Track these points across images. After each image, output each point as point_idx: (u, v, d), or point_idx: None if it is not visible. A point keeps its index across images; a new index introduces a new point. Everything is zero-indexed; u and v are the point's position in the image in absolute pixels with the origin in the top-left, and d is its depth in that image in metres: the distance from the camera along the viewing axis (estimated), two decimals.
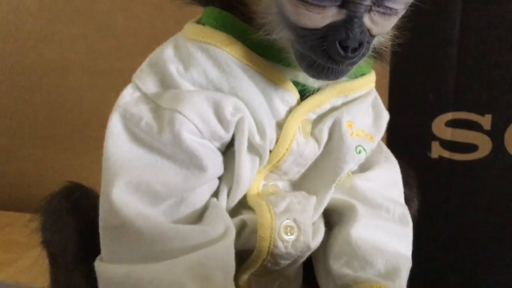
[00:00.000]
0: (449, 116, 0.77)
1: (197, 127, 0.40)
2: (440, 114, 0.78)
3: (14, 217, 1.03)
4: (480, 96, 0.73)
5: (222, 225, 0.39)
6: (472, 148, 0.76)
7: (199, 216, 0.41)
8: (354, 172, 0.49)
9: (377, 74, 0.50)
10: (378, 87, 0.51)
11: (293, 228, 0.43)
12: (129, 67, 0.45)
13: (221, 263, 0.38)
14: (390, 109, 0.53)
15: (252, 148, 0.43)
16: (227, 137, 0.42)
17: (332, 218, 0.48)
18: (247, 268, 0.45)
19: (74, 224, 0.42)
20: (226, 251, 0.38)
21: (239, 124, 0.41)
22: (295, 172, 0.46)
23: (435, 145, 0.79)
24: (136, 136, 0.41)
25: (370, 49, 0.40)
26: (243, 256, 0.44)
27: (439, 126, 0.78)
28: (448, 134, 0.78)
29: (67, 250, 0.41)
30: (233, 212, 0.44)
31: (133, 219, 0.38)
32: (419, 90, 0.75)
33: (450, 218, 0.79)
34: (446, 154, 0.79)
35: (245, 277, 0.45)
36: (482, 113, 0.74)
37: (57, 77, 1.03)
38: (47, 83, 1.05)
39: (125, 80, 0.44)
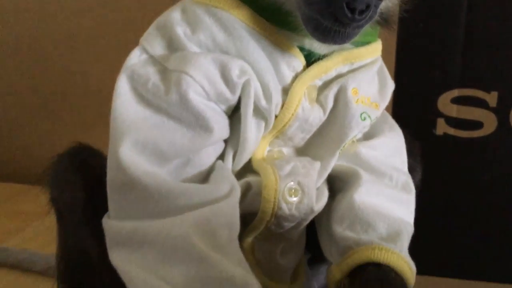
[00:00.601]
0: (455, 93, 0.77)
1: (203, 89, 0.41)
2: (446, 91, 0.77)
3: (21, 188, 1.05)
4: (486, 73, 0.73)
5: (228, 185, 0.40)
6: (477, 125, 0.76)
7: (204, 177, 0.42)
8: (358, 140, 0.50)
9: (383, 52, 0.50)
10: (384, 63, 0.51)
11: (297, 191, 0.43)
12: (136, 39, 0.46)
13: (226, 220, 0.38)
14: (396, 85, 0.53)
15: (258, 112, 0.43)
16: (233, 100, 0.42)
17: (336, 185, 0.49)
18: (251, 231, 0.45)
19: (82, 183, 0.43)
20: (231, 209, 0.39)
21: (245, 86, 0.42)
22: (300, 138, 0.47)
23: (440, 122, 0.79)
24: (143, 97, 0.41)
25: (377, 13, 0.40)
26: (247, 219, 0.45)
27: (445, 103, 0.78)
28: (454, 111, 0.78)
29: (75, 208, 0.42)
30: (238, 175, 0.45)
31: (140, 176, 0.38)
32: (425, 66, 0.74)
33: (455, 195, 0.79)
34: (451, 131, 0.79)
35: (248, 240, 0.46)
36: (488, 90, 0.74)
37: (65, 50, 1.04)
38: (54, 56, 1.05)
39: None
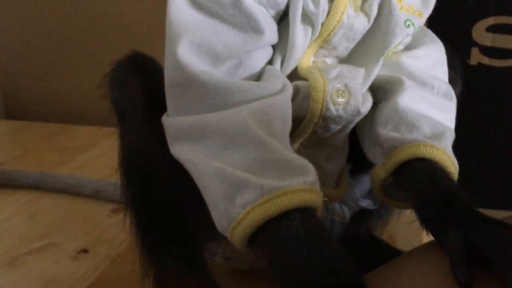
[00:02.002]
0: (490, 21, 0.77)
1: None
2: (481, 19, 0.77)
3: (61, 127, 1.11)
4: None
5: (280, 82, 0.42)
6: None
7: (256, 80, 0.44)
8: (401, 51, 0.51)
9: None
10: None
11: (344, 92, 0.45)
12: None
13: (281, 114, 0.40)
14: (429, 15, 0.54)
15: (306, 17, 0.44)
16: (282, 3, 0.44)
17: (379, 95, 0.50)
18: (298, 136, 0.47)
19: (141, 85, 0.45)
20: (285, 103, 0.41)
21: None
22: (344, 48, 0.48)
23: (474, 51, 0.79)
24: (196, 2, 0.43)
25: None
26: (295, 124, 0.47)
27: (480, 31, 0.78)
28: (489, 39, 0.78)
29: (136, 108, 0.44)
30: None
31: (198, 74, 0.40)
32: None
33: (489, 125, 0.80)
34: (486, 60, 0.79)
35: (295, 146, 0.48)
36: None
37: None
38: None
39: None
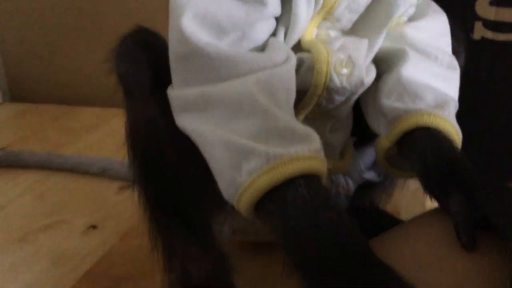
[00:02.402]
0: None
1: None
2: None
3: (66, 109, 1.12)
4: None
5: (284, 53, 0.42)
6: None
7: (260, 52, 0.44)
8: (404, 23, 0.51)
9: None
10: None
11: (348, 63, 0.45)
12: None
13: (285, 84, 0.41)
14: None
15: None
16: None
17: (382, 67, 0.51)
18: (303, 108, 0.48)
19: (146, 59, 0.45)
20: (289, 74, 0.41)
21: None
22: (347, 20, 0.48)
23: (478, 25, 0.79)
24: None
25: None
26: (299, 97, 0.47)
27: (483, 5, 0.77)
28: (492, 13, 0.77)
29: (141, 81, 0.45)
30: None
31: (202, 46, 0.41)
32: None
33: (493, 98, 0.80)
34: (489, 34, 0.78)
35: (300, 118, 0.48)
36: None
37: None
38: None
39: None
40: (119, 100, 0.47)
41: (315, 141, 0.38)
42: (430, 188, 0.40)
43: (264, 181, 0.35)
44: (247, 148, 0.36)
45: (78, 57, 1.13)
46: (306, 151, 0.36)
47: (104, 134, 0.96)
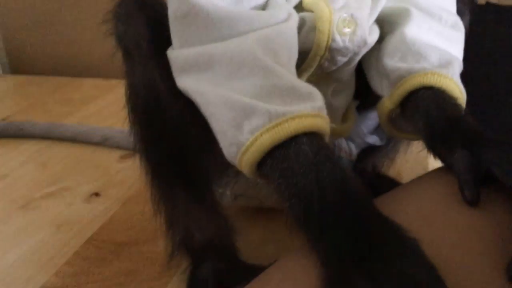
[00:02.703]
0: None
1: None
2: None
3: (65, 80, 1.11)
4: None
5: (285, 11, 0.41)
6: None
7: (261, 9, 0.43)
8: None
9: None
10: None
11: (351, 22, 0.44)
12: None
13: (287, 42, 0.40)
14: None
15: None
16: None
17: (386, 28, 0.50)
18: (305, 70, 0.47)
19: (145, 20, 0.44)
20: (291, 32, 0.41)
21: None
22: None
23: None
24: None
25: None
26: (301, 58, 0.46)
27: None
28: None
29: (140, 43, 0.44)
30: None
31: (202, 5, 0.40)
32: None
33: (498, 65, 0.79)
34: None
35: (302, 80, 0.48)
36: None
37: None
38: None
39: None
40: (120, 71, 0.47)
41: (318, 99, 0.37)
42: (434, 146, 0.40)
43: (267, 139, 0.35)
44: (249, 107, 0.36)
45: (77, 28, 1.12)
46: (309, 109, 0.36)
47: (105, 104, 0.95)
